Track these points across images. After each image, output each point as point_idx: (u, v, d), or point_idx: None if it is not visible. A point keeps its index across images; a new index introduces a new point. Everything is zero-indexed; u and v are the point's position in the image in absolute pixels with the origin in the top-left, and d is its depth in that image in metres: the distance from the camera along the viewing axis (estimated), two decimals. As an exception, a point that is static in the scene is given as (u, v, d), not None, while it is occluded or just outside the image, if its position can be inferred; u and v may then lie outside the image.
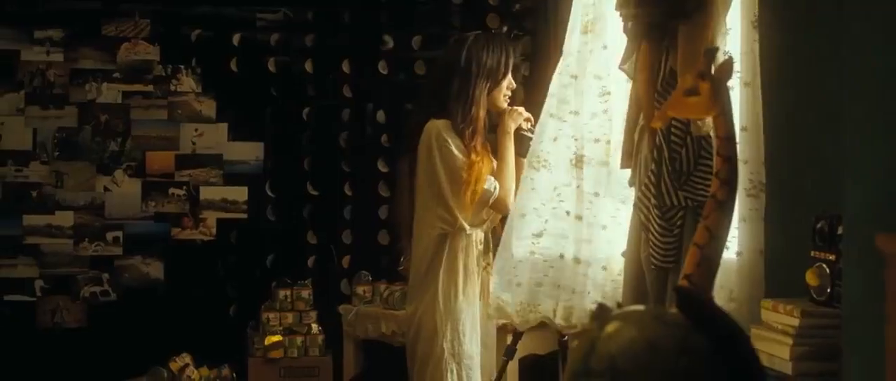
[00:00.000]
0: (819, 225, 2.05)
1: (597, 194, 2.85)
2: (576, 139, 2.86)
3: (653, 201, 2.41)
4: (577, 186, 2.84)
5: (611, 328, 1.40)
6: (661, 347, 1.33)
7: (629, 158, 2.63)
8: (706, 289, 1.81)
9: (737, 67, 2.35)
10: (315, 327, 4.04)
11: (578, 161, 2.85)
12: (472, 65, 2.81)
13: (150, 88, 4.30)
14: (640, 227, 2.52)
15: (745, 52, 2.33)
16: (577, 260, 2.88)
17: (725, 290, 2.38)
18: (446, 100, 2.81)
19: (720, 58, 2.12)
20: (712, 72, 1.73)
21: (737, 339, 1.37)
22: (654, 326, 1.39)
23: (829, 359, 1.94)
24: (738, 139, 2.31)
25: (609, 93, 2.81)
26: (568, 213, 2.88)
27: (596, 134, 2.85)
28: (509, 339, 3.07)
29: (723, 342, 1.34)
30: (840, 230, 1.94)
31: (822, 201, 2.08)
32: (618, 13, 2.63)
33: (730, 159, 1.70)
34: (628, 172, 2.69)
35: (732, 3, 2.39)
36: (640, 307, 1.72)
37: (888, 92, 1.71)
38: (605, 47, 2.85)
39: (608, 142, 2.78)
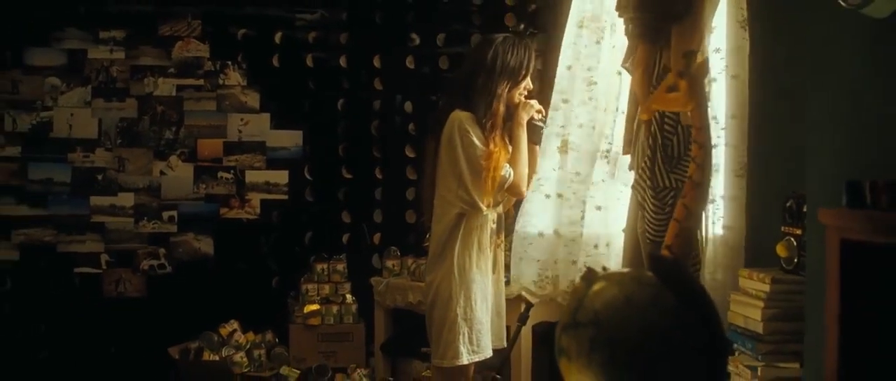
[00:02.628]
0: (788, 203, 2.12)
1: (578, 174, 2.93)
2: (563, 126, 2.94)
3: (648, 182, 2.49)
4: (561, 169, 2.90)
5: (596, 287, 1.58)
6: (637, 302, 1.51)
7: (629, 145, 2.72)
8: (684, 257, 1.96)
9: (726, 62, 2.45)
10: (349, 297, 4.12)
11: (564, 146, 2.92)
12: (497, 64, 2.81)
13: (201, 81, 4.37)
14: (638, 206, 2.61)
15: (731, 49, 2.39)
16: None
17: (714, 261, 2.44)
18: (471, 94, 2.82)
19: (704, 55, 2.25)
20: (690, 71, 1.87)
21: (698, 295, 1.55)
22: (632, 285, 1.57)
23: (794, 320, 2.02)
24: (725, 126, 2.42)
25: (595, 83, 2.85)
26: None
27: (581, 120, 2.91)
28: (523, 307, 3.11)
29: (687, 298, 1.51)
30: (805, 208, 2.00)
31: (795, 183, 2.12)
32: (620, 17, 2.73)
33: (704, 146, 1.84)
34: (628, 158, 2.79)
35: (719, 5, 2.48)
36: (623, 270, 1.90)
37: (841, 89, 1.81)
38: (597, 43, 2.92)
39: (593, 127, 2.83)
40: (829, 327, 1.52)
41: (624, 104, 2.96)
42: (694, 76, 1.86)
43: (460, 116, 2.81)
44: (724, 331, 1.58)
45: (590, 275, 1.61)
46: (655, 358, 1.49)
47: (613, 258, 3.03)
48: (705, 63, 1.92)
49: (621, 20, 2.79)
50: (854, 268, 1.48)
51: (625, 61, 2.74)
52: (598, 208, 3.12)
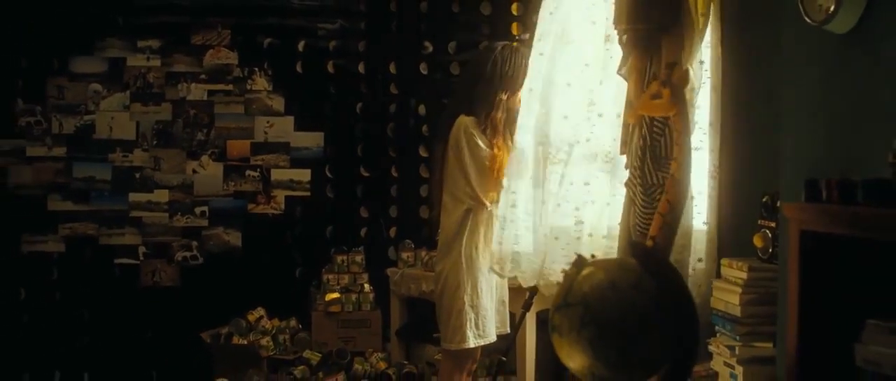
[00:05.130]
0: (764, 199, 2.21)
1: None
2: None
3: (639, 180, 2.51)
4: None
5: (585, 272, 1.73)
6: (620, 285, 1.66)
7: (625, 146, 2.72)
8: (667, 246, 2.09)
9: (708, 74, 2.54)
10: (367, 286, 4.16)
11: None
12: (495, 73, 2.87)
13: (230, 87, 4.42)
14: (630, 202, 2.62)
15: (713, 62, 2.47)
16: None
17: (697, 252, 2.52)
18: (473, 100, 2.88)
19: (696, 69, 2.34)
20: (672, 80, 1.99)
21: (674, 279, 1.69)
22: (616, 270, 1.72)
23: (769, 304, 2.11)
24: (706, 132, 2.55)
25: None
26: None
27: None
28: (527, 295, 3.09)
29: (664, 282, 1.66)
30: (778, 203, 2.09)
31: (772, 181, 2.18)
32: (615, 28, 2.80)
33: (684, 147, 1.96)
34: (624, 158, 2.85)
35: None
36: (609, 258, 2.03)
37: (809, 97, 1.93)
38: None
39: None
40: (790, 308, 1.64)
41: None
42: (675, 84, 1.98)
43: (465, 121, 2.88)
44: (697, 310, 1.71)
45: (579, 261, 1.75)
46: (636, 334, 1.63)
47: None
48: (687, 73, 2.03)
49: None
50: (812, 256, 1.60)
51: (620, 69, 2.79)
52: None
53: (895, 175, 1.39)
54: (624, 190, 3.01)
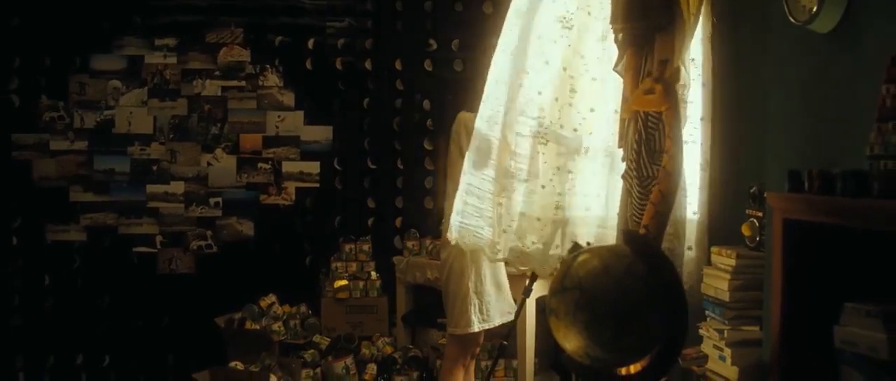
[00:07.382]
0: (752, 190, 2.24)
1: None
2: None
3: (635, 173, 2.54)
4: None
5: (581, 258, 1.77)
6: (613, 270, 1.69)
7: (622, 139, 2.74)
8: (659, 235, 2.12)
9: (699, 71, 2.57)
10: (374, 274, 4.21)
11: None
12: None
13: (243, 83, 4.46)
14: (626, 193, 2.66)
15: (704, 59, 2.48)
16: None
17: (687, 241, 2.55)
18: (473, 96, 2.86)
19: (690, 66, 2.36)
20: (665, 77, 2.02)
21: (664, 265, 1.72)
22: (610, 257, 1.75)
23: (756, 289, 2.16)
24: (697, 126, 2.56)
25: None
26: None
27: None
28: (527, 282, 3.10)
29: (655, 268, 1.69)
30: (765, 194, 2.12)
31: (760, 172, 2.23)
32: (611, 27, 2.82)
33: (675, 141, 1.99)
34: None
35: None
36: (603, 245, 2.06)
37: (793, 93, 1.96)
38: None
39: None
40: (774, 292, 1.68)
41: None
42: (667, 81, 2.01)
43: (466, 117, 2.92)
44: (685, 295, 1.74)
45: (575, 248, 1.79)
46: (628, 317, 1.67)
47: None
48: (678, 70, 2.06)
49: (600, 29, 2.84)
50: (795, 244, 1.64)
51: (616, 66, 2.80)
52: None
53: (872, 168, 1.42)
54: (615, 182, 3.05)
